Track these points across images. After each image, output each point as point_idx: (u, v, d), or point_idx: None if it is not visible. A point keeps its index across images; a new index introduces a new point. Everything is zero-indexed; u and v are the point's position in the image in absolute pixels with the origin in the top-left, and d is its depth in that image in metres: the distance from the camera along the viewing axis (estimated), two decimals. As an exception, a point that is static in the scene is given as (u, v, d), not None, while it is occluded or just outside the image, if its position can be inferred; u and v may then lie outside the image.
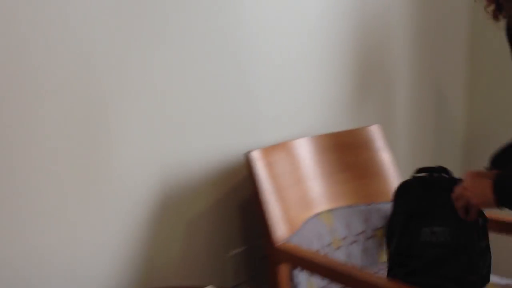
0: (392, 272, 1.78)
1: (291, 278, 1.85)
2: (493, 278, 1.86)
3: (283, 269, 1.85)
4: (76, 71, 1.60)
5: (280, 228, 1.87)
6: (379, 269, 2.08)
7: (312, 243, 1.92)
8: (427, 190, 1.78)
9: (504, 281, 1.94)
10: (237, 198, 2.08)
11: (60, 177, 1.61)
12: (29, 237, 1.58)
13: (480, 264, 1.70)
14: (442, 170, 1.81)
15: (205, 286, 1.68)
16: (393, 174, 2.30)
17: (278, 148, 2.00)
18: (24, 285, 1.58)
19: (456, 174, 1.84)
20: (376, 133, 2.33)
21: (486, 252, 1.74)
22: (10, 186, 1.52)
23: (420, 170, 1.84)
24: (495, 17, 1.60)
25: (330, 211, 2.06)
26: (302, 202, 1.99)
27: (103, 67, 1.65)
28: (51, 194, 1.60)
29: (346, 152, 2.21)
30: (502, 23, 1.60)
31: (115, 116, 1.70)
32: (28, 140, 1.53)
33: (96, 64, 1.63)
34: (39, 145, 1.56)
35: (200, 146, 1.94)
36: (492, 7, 1.59)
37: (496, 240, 1.90)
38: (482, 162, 1.72)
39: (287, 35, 2.15)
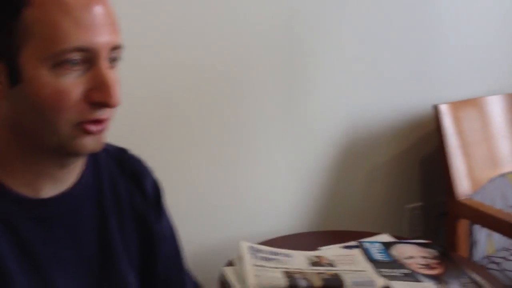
0: None
1: (470, 235, 1.83)
2: None
3: (462, 225, 1.84)
4: (283, 27, 1.73)
5: (463, 183, 1.85)
6: None
7: (495, 202, 1.88)
8: None
9: None
10: (420, 152, 2.08)
11: (269, 119, 1.78)
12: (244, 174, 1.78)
13: None
14: None
15: (381, 233, 1.72)
16: None
17: (468, 104, 1.97)
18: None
19: None
20: None
21: None
22: (233, 137, 1.72)
23: None
24: None
25: (518, 171, 1.99)
26: (489, 160, 1.95)
27: (305, 26, 1.77)
28: (262, 133, 1.78)
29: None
30: None
31: (313, 66, 1.81)
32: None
33: (298, 23, 1.75)
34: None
35: (387, 99, 1.98)
36: None
37: None
38: None
39: None
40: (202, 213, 1.70)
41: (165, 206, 0.99)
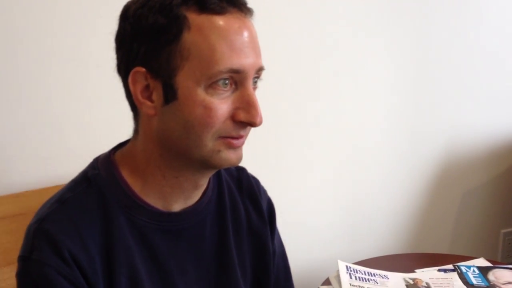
0: None
1: None
2: None
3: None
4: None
5: None
6: None
7: None
8: None
9: None
10: (516, 177, 2.06)
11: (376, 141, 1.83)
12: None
13: None
14: None
15: (475, 257, 1.71)
16: None
17: None
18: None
19: None
20: None
21: None
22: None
23: None
24: None
25: None
26: None
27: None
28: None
29: None
30: None
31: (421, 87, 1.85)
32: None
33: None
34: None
35: (484, 120, 1.98)
36: None
37: None
38: None
39: None
40: (301, 232, 1.76)
41: (275, 225, 1.03)
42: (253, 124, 0.79)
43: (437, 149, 1.92)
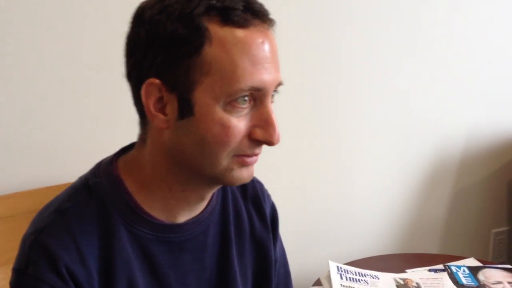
0: None
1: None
2: None
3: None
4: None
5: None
6: None
7: None
8: None
9: None
10: (508, 175, 2.07)
11: (357, 141, 1.83)
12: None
13: None
14: None
15: (466, 257, 1.71)
16: None
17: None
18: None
19: None
20: None
21: None
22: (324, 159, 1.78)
23: None
24: None
25: None
26: None
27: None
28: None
29: None
30: None
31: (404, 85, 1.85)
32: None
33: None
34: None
35: (476, 121, 1.98)
36: None
37: None
38: None
39: None
40: (292, 233, 1.76)
41: (278, 231, 1.00)
42: (270, 143, 0.76)
43: (428, 150, 1.93)
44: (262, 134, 0.75)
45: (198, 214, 0.86)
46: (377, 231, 1.92)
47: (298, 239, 1.76)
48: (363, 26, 1.74)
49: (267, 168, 1.64)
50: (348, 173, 1.83)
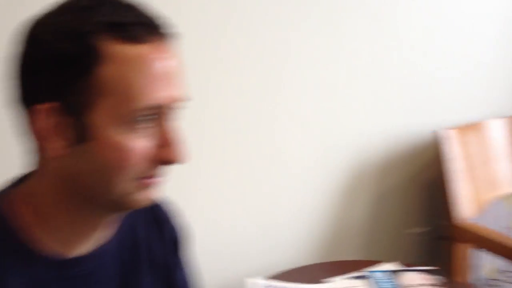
0: None
1: (471, 259, 1.82)
2: None
3: (463, 249, 1.83)
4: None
5: (465, 207, 1.85)
6: None
7: (497, 226, 1.87)
8: None
9: None
10: (423, 178, 2.10)
11: (273, 150, 1.79)
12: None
13: None
14: None
15: (388, 261, 1.72)
16: None
17: (468, 128, 1.98)
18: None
19: None
20: None
21: None
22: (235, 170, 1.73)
23: None
24: None
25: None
26: (490, 184, 1.95)
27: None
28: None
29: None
30: None
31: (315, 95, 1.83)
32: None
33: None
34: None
35: (388, 127, 2.00)
36: None
37: None
38: None
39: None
40: (205, 250, 1.70)
41: (185, 252, 0.96)
42: (171, 163, 0.72)
43: (343, 157, 1.93)
44: (166, 154, 0.72)
45: (96, 247, 0.79)
46: (294, 242, 1.90)
47: (211, 256, 1.70)
48: (278, 26, 1.70)
49: (178, 185, 1.60)
50: (266, 184, 1.80)
